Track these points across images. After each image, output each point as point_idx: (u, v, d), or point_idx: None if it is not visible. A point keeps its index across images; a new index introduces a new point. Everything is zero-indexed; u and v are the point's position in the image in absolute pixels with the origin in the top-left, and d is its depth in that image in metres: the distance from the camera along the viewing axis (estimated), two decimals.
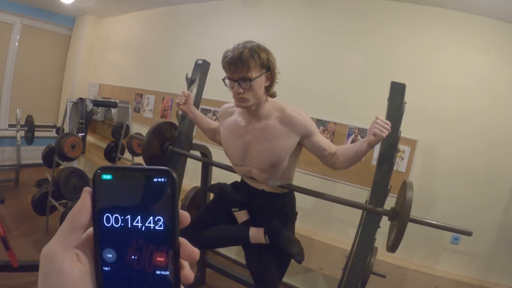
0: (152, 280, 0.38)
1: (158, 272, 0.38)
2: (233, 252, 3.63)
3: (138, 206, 0.38)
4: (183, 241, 0.39)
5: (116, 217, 0.38)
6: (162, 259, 0.38)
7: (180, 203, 2.62)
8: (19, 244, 2.99)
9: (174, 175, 0.38)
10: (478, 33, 2.67)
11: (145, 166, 0.41)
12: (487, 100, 2.64)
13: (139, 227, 0.38)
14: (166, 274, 0.38)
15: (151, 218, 0.38)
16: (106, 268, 0.38)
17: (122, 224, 0.38)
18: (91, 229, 0.39)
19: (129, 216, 0.38)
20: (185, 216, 0.40)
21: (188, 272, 0.40)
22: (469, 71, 2.70)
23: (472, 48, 2.70)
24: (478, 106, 2.66)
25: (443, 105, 2.75)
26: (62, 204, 3.53)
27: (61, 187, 3.10)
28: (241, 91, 1.63)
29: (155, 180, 0.38)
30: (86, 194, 0.38)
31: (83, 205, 0.38)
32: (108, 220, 0.38)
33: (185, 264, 0.40)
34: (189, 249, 0.40)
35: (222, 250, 3.66)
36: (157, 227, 0.38)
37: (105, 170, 0.38)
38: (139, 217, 0.38)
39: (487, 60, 2.65)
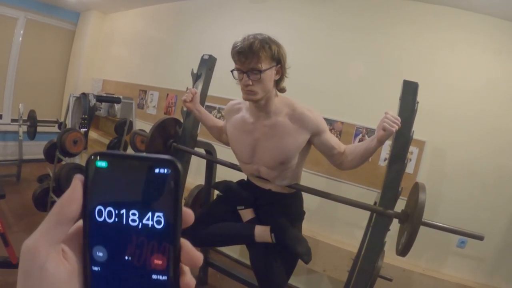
0: (147, 285, 0.34)
1: (154, 277, 0.33)
2: (236, 252, 3.59)
3: (136, 199, 0.33)
4: (185, 243, 0.35)
5: (110, 210, 0.33)
6: (160, 262, 0.33)
7: (183, 201, 2.58)
8: (19, 240, 2.90)
9: (179, 166, 0.33)
10: (489, 35, 2.62)
11: (146, 154, 0.35)
12: (498, 102, 2.59)
13: (136, 223, 0.33)
14: (163, 280, 0.33)
15: (150, 214, 0.33)
16: (96, 268, 0.33)
17: (116, 220, 0.33)
18: (80, 222, 0.34)
19: (124, 211, 0.33)
20: (188, 215, 0.36)
21: (189, 280, 0.35)
22: (480, 72, 2.65)
23: (483, 50, 2.64)
24: (488, 108, 2.61)
25: (452, 106, 2.70)
26: None
27: (62, 183, 3.08)
28: (250, 83, 1.58)
29: (157, 171, 0.33)
30: (77, 182, 0.33)
31: (73, 195, 0.33)
32: (100, 214, 0.33)
33: (186, 269, 0.35)
34: (191, 253, 0.35)
35: (225, 250, 3.62)
36: (156, 225, 0.33)
37: (100, 156, 0.33)
38: (136, 212, 0.33)
39: (498, 61, 2.60)
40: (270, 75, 1.61)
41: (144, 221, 0.33)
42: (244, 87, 1.61)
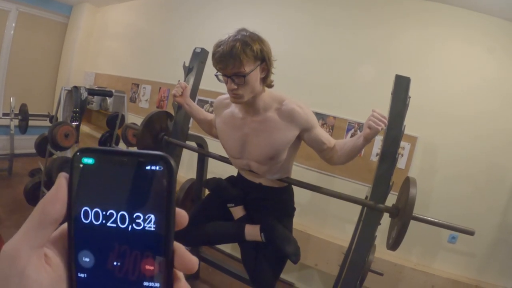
0: None
1: (145, 284, 0.31)
2: (228, 246, 3.59)
3: (125, 199, 0.31)
4: (178, 247, 0.32)
5: (97, 212, 0.31)
6: (152, 268, 0.31)
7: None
8: (11, 235, 2.88)
9: (172, 163, 0.31)
10: (483, 32, 2.62)
11: (137, 150, 0.32)
12: (491, 100, 2.60)
13: (125, 226, 0.31)
14: (155, 287, 0.31)
15: (141, 215, 0.31)
16: (82, 275, 0.31)
17: (104, 221, 0.31)
18: (65, 225, 0.32)
19: (113, 212, 0.31)
20: (182, 216, 0.33)
21: (184, 286, 0.32)
22: (473, 69, 2.65)
23: (477, 47, 2.64)
24: (481, 105, 2.62)
25: (444, 103, 2.71)
26: None
27: (54, 177, 3.04)
28: (235, 87, 1.54)
29: (148, 167, 0.31)
30: (62, 180, 0.31)
31: (57, 194, 0.31)
32: (86, 216, 0.31)
33: (180, 275, 0.33)
34: (185, 257, 0.32)
35: None
36: (147, 227, 0.31)
37: (86, 152, 0.31)
38: (125, 213, 0.31)
39: (492, 59, 2.60)
40: (255, 76, 1.56)
41: (134, 223, 0.31)
42: (229, 91, 1.59)
